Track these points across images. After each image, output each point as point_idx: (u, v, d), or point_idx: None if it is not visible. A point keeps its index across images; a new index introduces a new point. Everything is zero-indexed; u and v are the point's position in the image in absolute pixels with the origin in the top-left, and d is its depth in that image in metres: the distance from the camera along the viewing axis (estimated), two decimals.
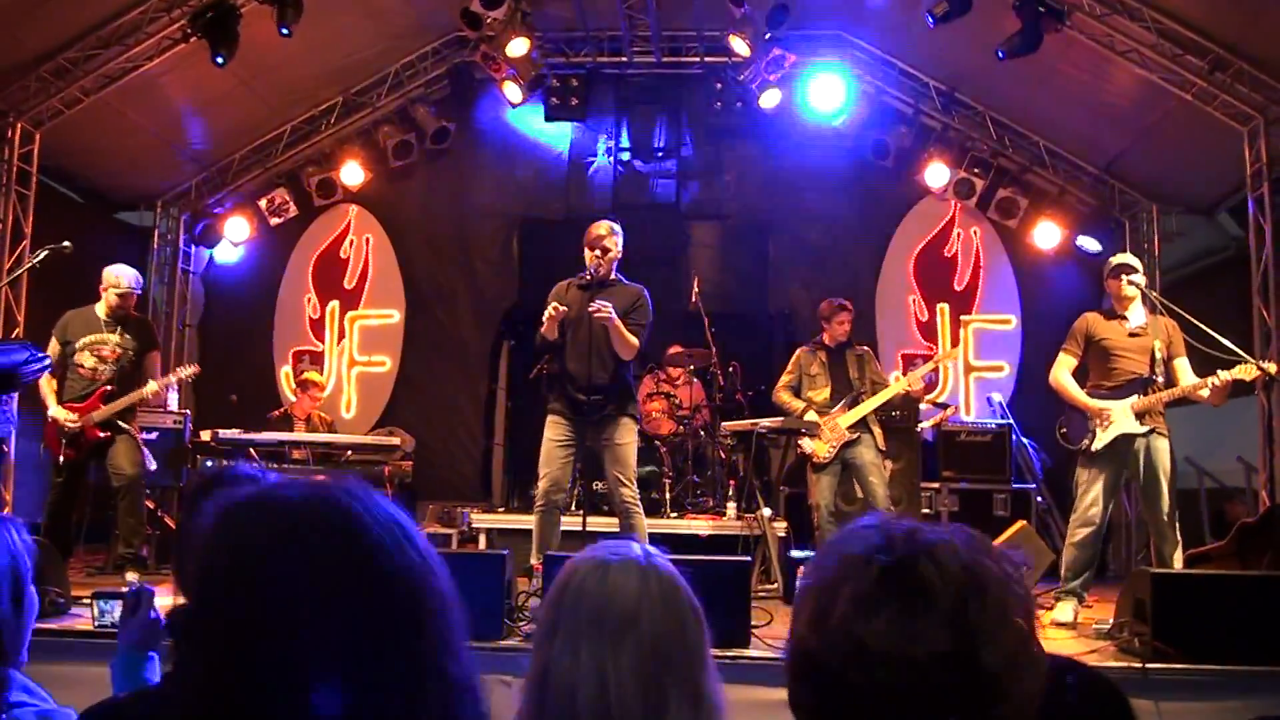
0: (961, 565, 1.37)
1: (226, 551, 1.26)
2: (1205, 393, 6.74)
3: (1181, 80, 9.15)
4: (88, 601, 6.27)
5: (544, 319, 6.98)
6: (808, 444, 8.30)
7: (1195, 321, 6.88)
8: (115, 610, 5.41)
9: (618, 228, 7.22)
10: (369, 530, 1.27)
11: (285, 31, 9.24)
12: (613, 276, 7.16)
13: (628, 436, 7.09)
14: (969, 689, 1.33)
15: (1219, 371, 6.70)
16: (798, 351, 8.76)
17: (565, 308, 6.98)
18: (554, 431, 7.08)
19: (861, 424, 8.27)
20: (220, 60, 9.35)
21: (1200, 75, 9.02)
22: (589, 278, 7.07)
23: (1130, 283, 7.03)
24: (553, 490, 7.00)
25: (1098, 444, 6.91)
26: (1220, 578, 6.09)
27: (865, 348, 8.80)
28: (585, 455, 7.32)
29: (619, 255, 7.16)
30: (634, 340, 6.94)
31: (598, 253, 7.03)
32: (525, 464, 11.74)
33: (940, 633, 1.33)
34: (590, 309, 6.83)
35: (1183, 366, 6.98)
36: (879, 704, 1.34)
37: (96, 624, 5.51)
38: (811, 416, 8.29)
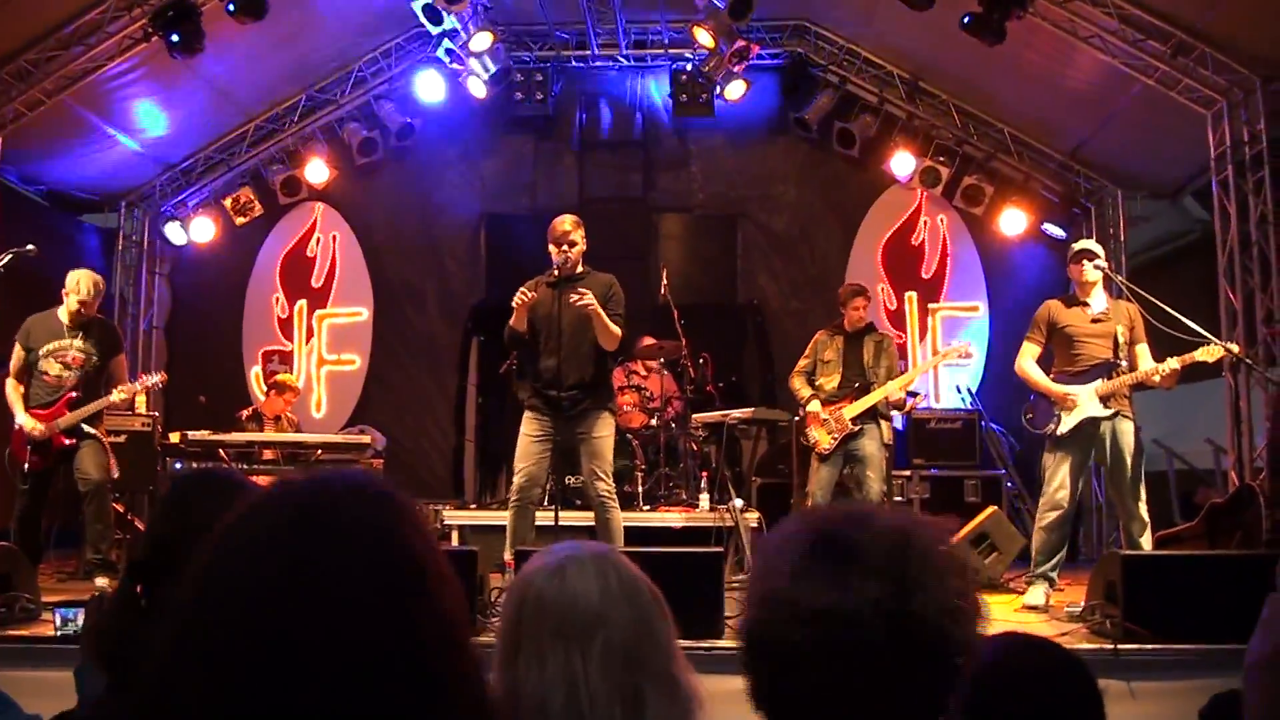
0: (891, 527, 1.43)
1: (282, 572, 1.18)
2: (1158, 378, 6.80)
3: (1144, 65, 9.20)
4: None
5: (513, 306, 6.93)
6: (811, 433, 8.28)
7: (1160, 304, 6.93)
8: (78, 618, 5.40)
9: (580, 221, 7.17)
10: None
11: (232, 9, 9.17)
12: (580, 269, 7.14)
13: (605, 430, 7.04)
14: (906, 637, 1.36)
15: (1168, 359, 6.77)
16: (816, 335, 8.71)
17: (534, 294, 6.95)
18: (530, 427, 7.03)
19: (869, 415, 8.20)
20: (175, 38, 9.24)
21: (1163, 59, 9.07)
22: (557, 273, 7.03)
23: (1095, 267, 7.07)
24: (529, 486, 6.97)
25: (1063, 428, 6.96)
26: (1190, 558, 6.16)
27: (885, 334, 8.74)
28: (560, 450, 7.26)
29: (585, 248, 7.11)
30: (616, 329, 6.89)
31: (565, 247, 6.97)
32: (497, 460, 11.79)
33: (871, 583, 1.37)
34: (572, 300, 6.78)
35: (1143, 352, 7.04)
36: (824, 667, 1.38)
37: (59, 633, 5.47)
38: (814, 407, 8.25)
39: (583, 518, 7.58)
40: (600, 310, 6.80)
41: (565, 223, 7.06)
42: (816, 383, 8.42)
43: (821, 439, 8.18)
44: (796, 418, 8.65)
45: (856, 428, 8.14)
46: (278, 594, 1.15)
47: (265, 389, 11.42)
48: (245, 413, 10.50)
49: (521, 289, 7.01)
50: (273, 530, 1.21)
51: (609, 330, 6.86)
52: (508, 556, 6.84)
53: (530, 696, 1.67)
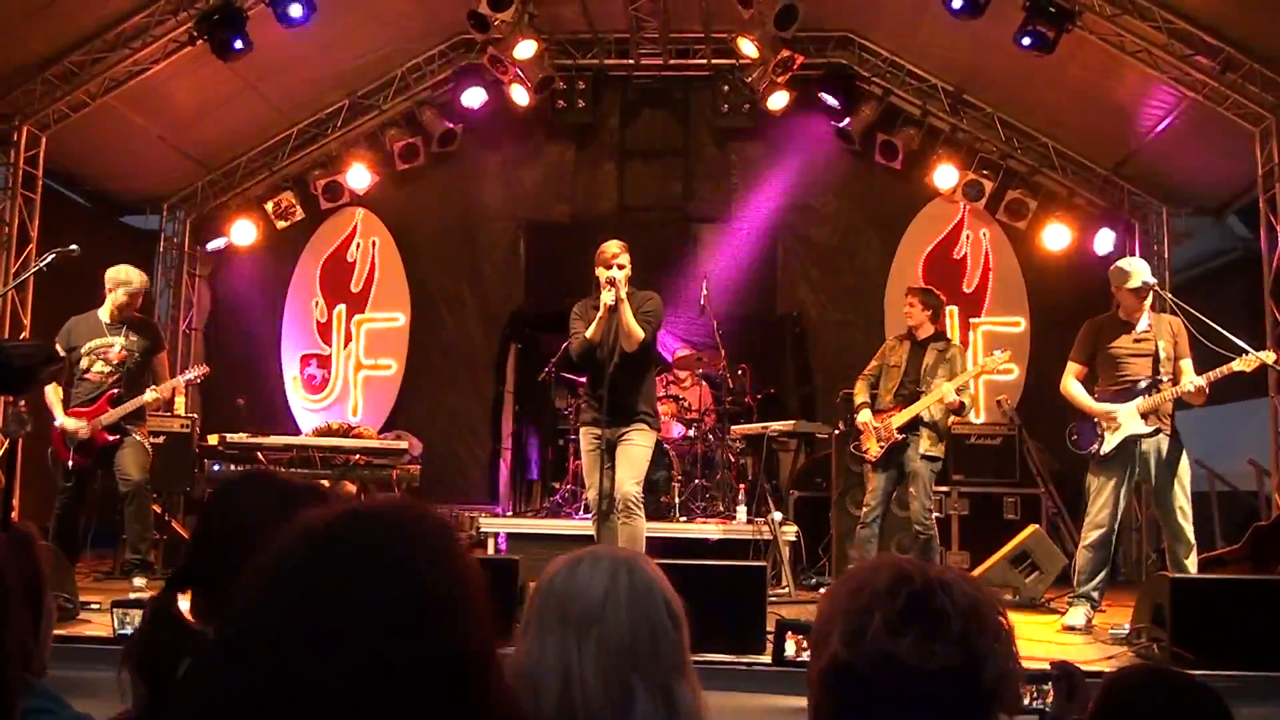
0: (965, 596, 1.66)
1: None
2: (1189, 389, 6.72)
3: (1192, 80, 9.10)
4: (96, 606, 6.25)
5: (573, 319, 7.20)
6: (863, 441, 8.13)
7: (1207, 321, 6.84)
8: (134, 618, 5.33)
9: (627, 245, 7.24)
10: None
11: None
12: (626, 289, 7.15)
13: (645, 441, 7.13)
14: (968, 697, 1.63)
15: (1192, 378, 6.72)
16: (888, 340, 8.58)
17: (598, 311, 7.05)
18: (589, 444, 7.23)
19: (913, 424, 7.91)
20: (221, 42, 9.28)
21: (1211, 75, 8.97)
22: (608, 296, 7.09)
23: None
24: (601, 500, 7.13)
25: (1106, 448, 6.90)
26: (1239, 582, 6.06)
27: (952, 343, 8.31)
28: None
29: (630, 273, 7.14)
30: (638, 327, 6.94)
31: (613, 270, 7.02)
32: (532, 467, 11.77)
33: (954, 651, 1.61)
34: (603, 279, 6.95)
35: (1186, 367, 6.96)
36: (902, 707, 1.62)
37: (117, 633, 5.40)
38: (864, 417, 8.09)
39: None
40: (625, 300, 6.92)
41: (613, 245, 7.13)
42: (883, 387, 8.25)
43: (871, 446, 8.03)
44: (836, 431, 8.54)
45: (901, 437, 7.93)
46: (298, 622, 1.23)
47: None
48: None
49: (577, 317, 7.28)
50: (295, 563, 1.30)
51: (630, 326, 6.94)
52: None
53: (529, 673, 1.80)
